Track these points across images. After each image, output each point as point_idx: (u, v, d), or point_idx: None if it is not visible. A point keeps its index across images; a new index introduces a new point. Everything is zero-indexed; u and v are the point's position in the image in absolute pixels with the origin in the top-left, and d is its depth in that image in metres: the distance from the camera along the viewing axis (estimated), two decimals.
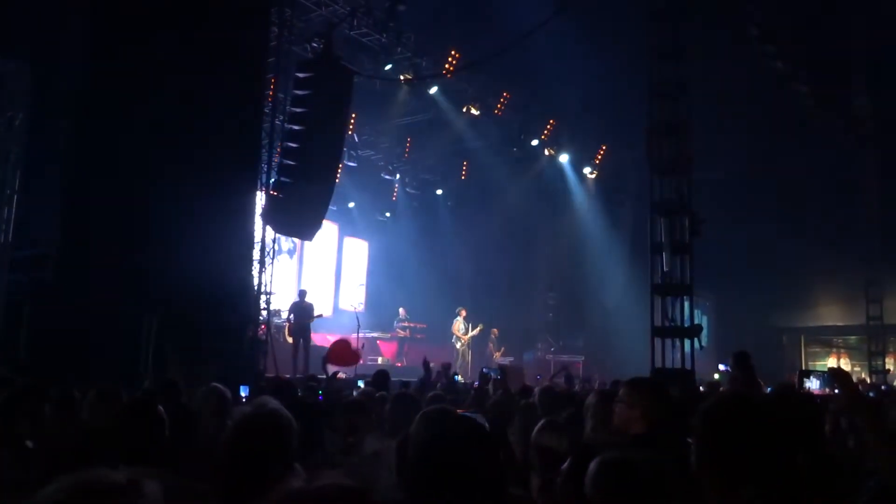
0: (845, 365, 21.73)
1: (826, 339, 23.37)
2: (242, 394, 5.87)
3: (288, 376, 9.71)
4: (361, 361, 13.75)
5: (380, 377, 7.11)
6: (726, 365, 9.06)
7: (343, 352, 11.34)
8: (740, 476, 1.86)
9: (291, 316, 13.80)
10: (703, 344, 10.51)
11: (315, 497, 1.06)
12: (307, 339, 13.39)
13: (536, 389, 6.09)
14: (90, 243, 8.71)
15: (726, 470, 1.89)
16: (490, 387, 6.85)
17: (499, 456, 1.62)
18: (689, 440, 2.04)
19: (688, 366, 9.55)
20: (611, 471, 2.04)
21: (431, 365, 10.29)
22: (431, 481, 1.55)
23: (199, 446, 2.87)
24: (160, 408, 2.63)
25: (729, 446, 1.90)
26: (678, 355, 9.64)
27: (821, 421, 3.14)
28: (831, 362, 22.46)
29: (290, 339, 15.10)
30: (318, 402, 5.52)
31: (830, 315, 22.53)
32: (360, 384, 7.93)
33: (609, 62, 14.12)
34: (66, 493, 1.18)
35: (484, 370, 9.15)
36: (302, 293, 14.49)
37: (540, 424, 3.42)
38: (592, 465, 2.07)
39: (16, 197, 9.35)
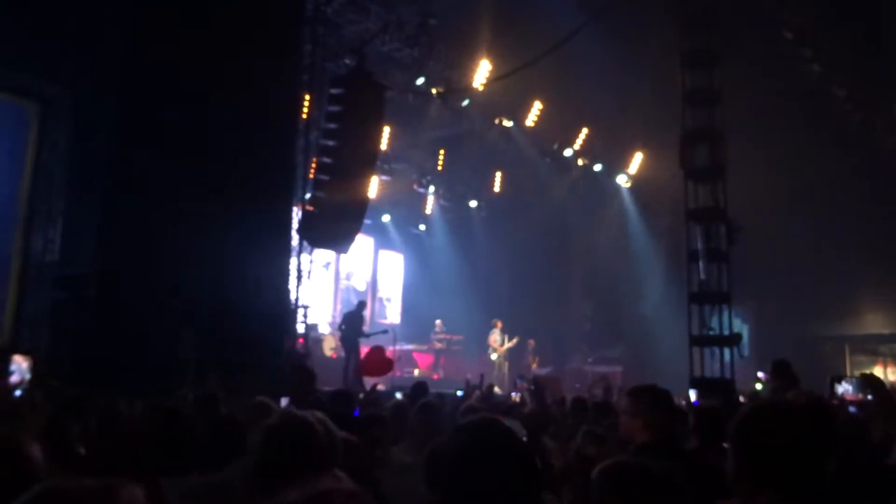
0: (893, 375, 21.15)
1: (872, 348, 22.72)
2: (283, 405, 5.95)
3: (328, 388, 9.78)
4: (399, 373, 13.83)
5: (418, 389, 7.12)
6: (765, 373, 8.91)
7: (377, 361, 11.44)
8: (764, 480, 1.89)
9: (344, 326, 13.63)
10: (744, 353, 10.33)
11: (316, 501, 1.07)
12: (357, 351, 13.18)
13: (569, 399, 6.07)
14: (130, 261, 8.91)
15: (752, 473, 1.93)
16: (526, 397, 6.83)
17: (534, 464, 1.63)
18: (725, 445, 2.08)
19: (727, 375, 9.41)
20: (610, 479, 2.06)
21: (469, 377, 10.30)
22: (464, 489, 1.56)
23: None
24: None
25: (756, 451, 1.94)
26: (718, 365, 9.51)
27: (852, 429, 3.10)
28: (877, 372, 21.87)
29: (328, 352, 15.20)
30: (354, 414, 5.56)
31: (876, 323, 21.92)
32: (398, 395, 7.95)
33: (642, 69, 14.05)
34: (39, 501, 1.19)
35: (518, 380, 9.13)
36: (360, 304, 14.36)
37: (581, 434, 3.42)
38: (593, 475, 2.11)
39: (61, 217, 9.62)
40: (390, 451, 3.70)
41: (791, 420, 1.99)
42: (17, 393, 6.64)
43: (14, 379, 7.54)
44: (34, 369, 7.77)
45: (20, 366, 7.84)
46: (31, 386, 7.26)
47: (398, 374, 13.58)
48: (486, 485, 1.53)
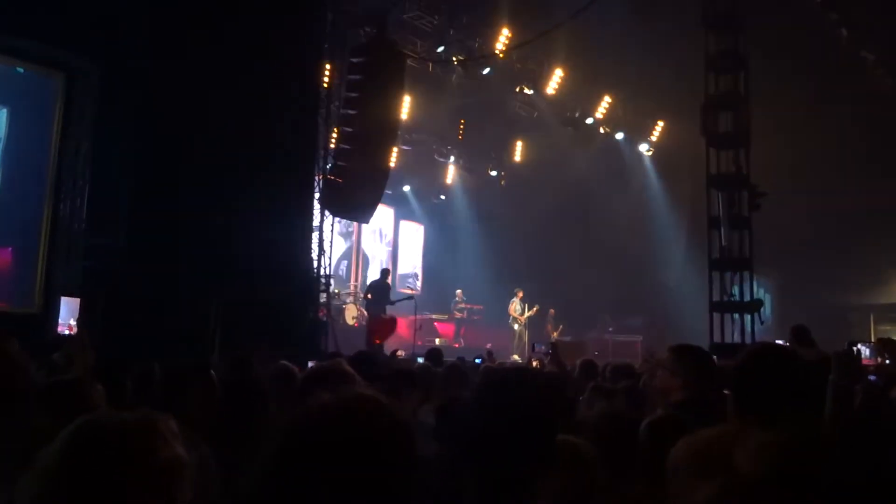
0: None
1: None
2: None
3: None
4: (420, 342, 13.99)
5: (433, 354, 7.27)
6: (783, 341, 8.91)
7: (381, 324, 12.14)
8: (764, 418, 1.92)
9: (370, 295, 13.55)
10: (765, 320, 10.28)
11: (342, 406, 1.10)
12: None
13: (606, 364, 6.13)
14: (157, 231, 9.07)
15: (752, 411, 1.98)
16: (545, 362, 6.91)
17: (554, 401, 1.70)
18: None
19: (748, 342, 9.40)
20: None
21: (489, 346, 10.44)
22: (487, 420, 1.62)
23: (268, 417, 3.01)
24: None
25: (754, 388, 1.97)
26: (738, 332, 9.51)
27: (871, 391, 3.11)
28: None
29: (350, 321, 15.40)
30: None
31: None
32: (420, 360, 8.10)
33: (665, 35, 13.84)
34: (81, 433, 1.25)
35: (535, 346, 9.18)
36: (384, 272, 14.42)
37: (589, 389, 3.48)
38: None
39: (87, 187, 9.77)
40: (417, 411, 3.75)
41: (784, 359, 2.03)
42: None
43: (65, 320, 7.95)
44: (83, 308, 8.10)
45: (69, 307, 8.22)
46: (79, 326, 7.60)
47: (419, 343, 13.73)
48: (506, 423, 1.59)
